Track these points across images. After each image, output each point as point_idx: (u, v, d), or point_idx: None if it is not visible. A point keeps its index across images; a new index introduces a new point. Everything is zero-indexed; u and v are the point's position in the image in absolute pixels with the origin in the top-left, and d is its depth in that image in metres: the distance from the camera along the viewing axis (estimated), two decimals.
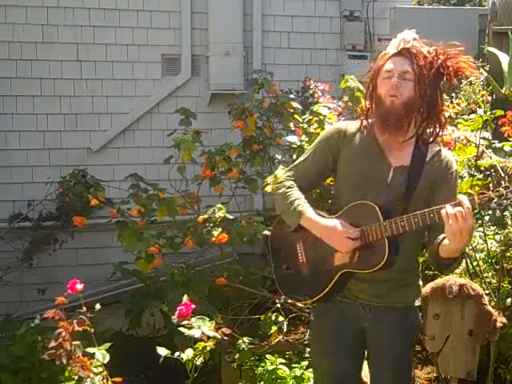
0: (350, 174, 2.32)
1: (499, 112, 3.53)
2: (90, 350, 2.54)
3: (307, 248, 2.37)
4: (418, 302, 2.41)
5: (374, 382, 2.44)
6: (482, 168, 3.57)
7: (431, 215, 2.05)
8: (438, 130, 2.28)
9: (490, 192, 2.03)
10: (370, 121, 2.32)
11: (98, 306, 2.60)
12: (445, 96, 3.95)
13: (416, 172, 2.25)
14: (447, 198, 2.15)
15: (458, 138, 3.39)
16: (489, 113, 3.50)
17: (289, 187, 2.37)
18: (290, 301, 2.54)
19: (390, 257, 2.16)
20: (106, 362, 2.53)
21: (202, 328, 2.61)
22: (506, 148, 3.51)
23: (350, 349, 2.40)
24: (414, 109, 2.20)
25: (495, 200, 2.00)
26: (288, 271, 2.43)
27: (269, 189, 3.49)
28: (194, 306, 2.64)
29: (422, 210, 2.08)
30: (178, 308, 2.62)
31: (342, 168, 2.35)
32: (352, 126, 2.37)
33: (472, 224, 1.98)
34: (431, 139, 2.29)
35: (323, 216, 2.32)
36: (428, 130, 2.28)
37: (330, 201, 3.28)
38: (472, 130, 3.48)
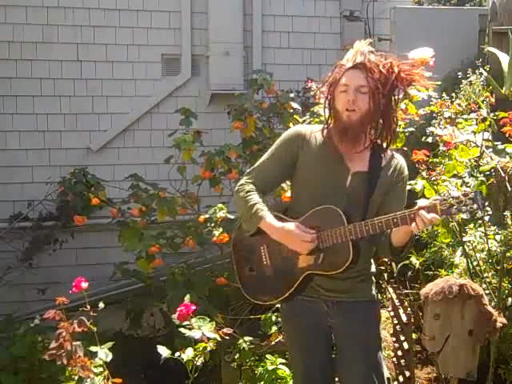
0: (309, 180, 2.37)
1: (502, 114, 3.52)
2: (92, 348, 2.54)
3: (271, 250, 2.41)
4: (375, 295, 2.48)
5: (345, 376, 2.44)
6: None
7: (395, 220, 2.17)
8: (390, 137, 2.37)
9: (451, 199, 2.11)
10: (329, 127, 2.38)
11: (101, 305, 2.59)
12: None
13: (374, 177, 2.34)
14: (397, 203, 2.34)
15: (461, 142, 3.40)
16: (492, 115, 3.51)
17: (248, 191, 2.40)
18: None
19: (354, 258, 2.25)
20: (108, 360, 2.53)
21: (202, 329, 2.60)
22: (508, 150, 3.50)
23: (322, 345, 2.45)
24: (370, 120, 2.30)
25: (455, 206, 2.10)
26: (251, 273, 2.47)
27: None
28: (194, 307, 2.63)
29: (386, 216, 2.19)
30: (179, 309, 2.62)
31: (302, 174, 2.39)
32: (314, 130, 2.41)
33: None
34: (385, 146, 2.38)
35: (284, 219, 2.36)
36: (382, 138, 2.37)
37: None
38: (475, 133, 3.47)
